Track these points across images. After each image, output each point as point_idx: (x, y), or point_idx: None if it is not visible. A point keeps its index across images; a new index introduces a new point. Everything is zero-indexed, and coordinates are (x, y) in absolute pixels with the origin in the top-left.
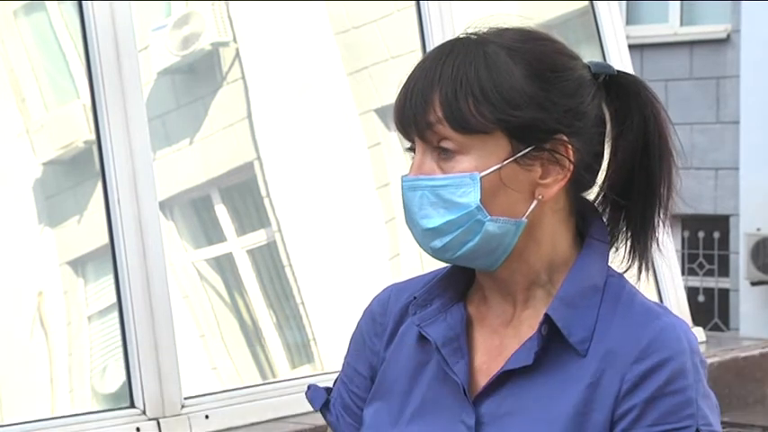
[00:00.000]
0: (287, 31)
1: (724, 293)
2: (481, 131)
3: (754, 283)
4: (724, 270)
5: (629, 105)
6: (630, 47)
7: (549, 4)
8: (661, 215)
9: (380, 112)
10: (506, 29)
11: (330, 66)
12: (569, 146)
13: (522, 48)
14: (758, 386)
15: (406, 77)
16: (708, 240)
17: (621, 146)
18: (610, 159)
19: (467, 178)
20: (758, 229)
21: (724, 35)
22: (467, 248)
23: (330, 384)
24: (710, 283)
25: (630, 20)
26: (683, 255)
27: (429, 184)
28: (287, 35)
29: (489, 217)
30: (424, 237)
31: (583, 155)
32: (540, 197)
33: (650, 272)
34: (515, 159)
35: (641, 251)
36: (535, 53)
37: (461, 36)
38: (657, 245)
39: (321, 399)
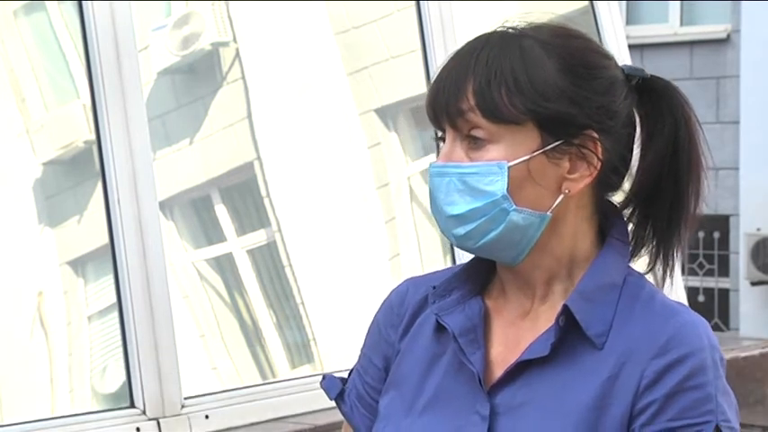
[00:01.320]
0: (287, 31)
1: (724, 293)
2: (512, 122)
3: (754, 283)
4: (724, 270)
5: (660, 109)
6: (630, 47)
7: (549, 4)
8: (688, 222)
9: (380, 112)
10: (543, 25)
11: (330, 66)
12: (598, 143)
13: (556, 43)
14: (758, 386)
15: (440, 67)
16: (708, 240)
17: (651, 150)
18: (639, 163)
19: (495, 167)
20: (758, 229)
21: (724, 35)
22: (490, 238)
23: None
24: (710, 283)
25: (630, 20)
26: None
27: (457, 171)
28: (287, 35)
29: (514, 207)
30: (448, 223)
31: (611, 154)
32: (566, 191)
33: (668, 274)
34: (544, 152)
35: (665, 257)
36: (569, 49)
37: (498, 29)
38: (683, 251)
39: (336, 389)
